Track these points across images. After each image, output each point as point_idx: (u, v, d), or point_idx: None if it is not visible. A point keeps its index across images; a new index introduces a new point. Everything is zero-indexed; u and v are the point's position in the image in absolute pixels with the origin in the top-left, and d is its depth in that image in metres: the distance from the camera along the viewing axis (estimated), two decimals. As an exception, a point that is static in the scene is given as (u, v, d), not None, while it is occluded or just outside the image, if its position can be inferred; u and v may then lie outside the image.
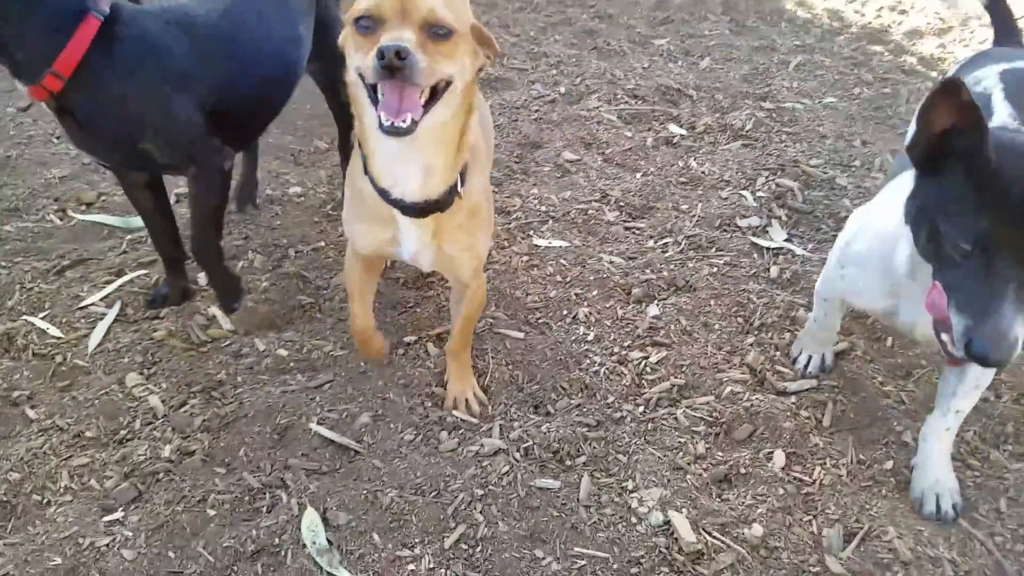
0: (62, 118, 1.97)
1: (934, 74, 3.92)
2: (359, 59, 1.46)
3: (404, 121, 1.42)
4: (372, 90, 1.47)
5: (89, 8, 1.86)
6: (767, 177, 3.02)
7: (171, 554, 1.74)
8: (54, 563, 1.72)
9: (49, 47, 1.83)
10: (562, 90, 3.71)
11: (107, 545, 1.76)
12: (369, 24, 1.45)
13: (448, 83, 1.49)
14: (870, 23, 4.52)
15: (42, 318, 2.34)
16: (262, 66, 2.21)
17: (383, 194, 1.69)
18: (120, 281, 2.48)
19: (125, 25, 1.93)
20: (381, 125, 1.44)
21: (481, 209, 1.84)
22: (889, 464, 1.95)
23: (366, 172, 1.70)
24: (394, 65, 1.36)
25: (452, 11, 1.47)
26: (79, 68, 1.85)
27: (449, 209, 1.73)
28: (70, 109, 1.93)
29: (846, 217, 2.81)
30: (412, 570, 1.71)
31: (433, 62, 1.42)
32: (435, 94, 1.48)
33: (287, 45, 2.28)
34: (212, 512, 1.82)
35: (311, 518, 1.79)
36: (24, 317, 2.35)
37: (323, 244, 2.68)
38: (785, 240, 2.72)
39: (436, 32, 1.44)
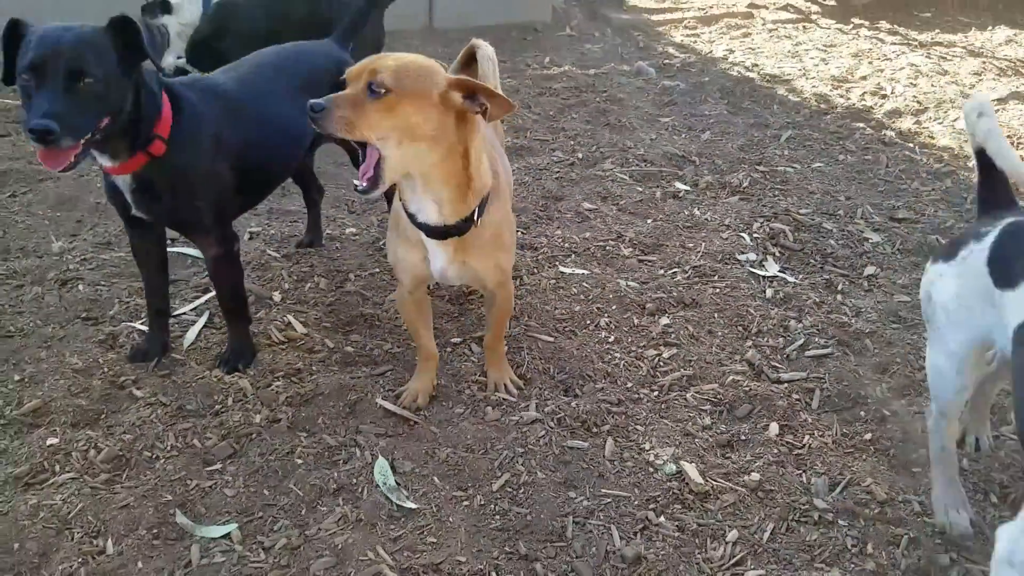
0: (138, 187, 2.19)
1: (911, 145, 4.41)
2: None
3: (363, 183, 1.83)
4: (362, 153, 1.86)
5: (164, 81, 2.20)
6: (762, 222, 3.46)
7: (266, 491, 2.08)
8: (166, 499, 2.06)
9: (153, 116, 2.12)
10: (579, 156, 4.20)
11: (211, 486, 2.10)
12: (344, 83, 1.85)
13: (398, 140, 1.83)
14: (854, 104, 5.06)
15: (140, 324, 2.74)
16: (273, 132, 2.46)
17: (411, 218, 2.05)
18: (206, 296, 2.88)
19: (179, 95, 2.21)
20: (355, 188, 1.86)
21: (503, 234, 2.19)
22: (868, 435, 2.29)
23: (401, 199, 2.08)
24: (310, 116, 1.77)
25: (398, 78, 1.79)
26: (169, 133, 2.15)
27: (470, 233, 2.06)
28: (149, 178, 2.18)
29: (832, 254, 3.25)
30: (467, 505, 2.05)
31: (363, 115, 1.77)
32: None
33: (294, 114, 2.40)
34: (299, 461, 2.17)
35: (382, 464, 2.14)
36: (125, 323, 2.75)
37: (378, 271, 3.10)
38: (779, 271, 3.13)
39: (373, 90, 1.78)
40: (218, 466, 2.17)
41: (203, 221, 2.32)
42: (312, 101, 1.78)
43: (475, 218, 2.06)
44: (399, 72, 1.82)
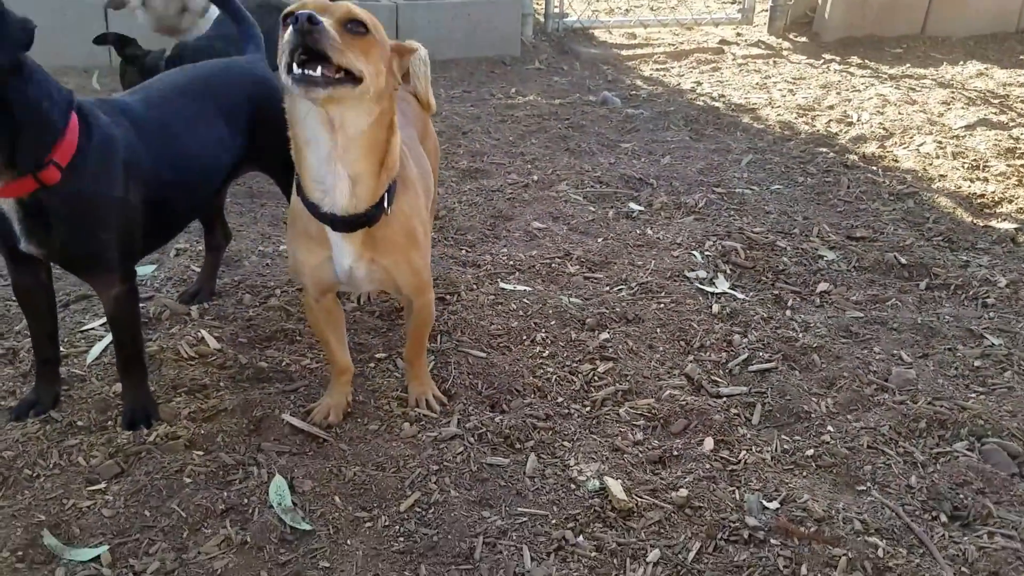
0: (26, 215, 1.90)
1: (874, 168, 4.32)
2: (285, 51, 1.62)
3: (315, 70, 1.58)
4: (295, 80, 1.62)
5: (73, 102, 1.90)
6: (715, 241, 3.33)
7: (146, 512, 1.90)
8: (39, 519, 1.87)
9: (49, 137, 1.83)
10: (535, 178, 4.09)
11: (89, 506, 1.92)
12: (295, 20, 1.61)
13: (360, 79, 1.67)
14: (819, 131, 4.98)
15: (46, 339, 2.57)
16: (187, 160, 2.22)
17: (314, 209, 1.85)
18: (120, 311, 2.72)
19: (91, 116, 1.94)
20: (294, 76, 1.59)
21: (415, 231, 2.01)
22: (810, 452, 2.13)
23: (299, 193, 1.88)
24: (305, 28, 1.54)
25: (373, 25, 1.71)
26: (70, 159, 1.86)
27: (379, 225, 1.90)
28: (41, 205, 1.88)
29: (784, 271, 3.12)
30: (369, 526, 1.87)
31: (346, 50, 1.61)
32: (352, 81, 1.66)
33: (210, 141, 2.29)
34: (188, 480, 1.99)
35: (278, 483, 1.96)
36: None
37: (307, 286, 2.95)
38: (729, 288, 2.99)
39: (352, 28, 1.66)
40: (101, 485, 1.99)
41: (106, 257, 2.01)
42: (303, 12, 1.57)
43: (385, 205, 1.90)
44: (371, 18, 1.73)
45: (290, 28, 1.59)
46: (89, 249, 2.00)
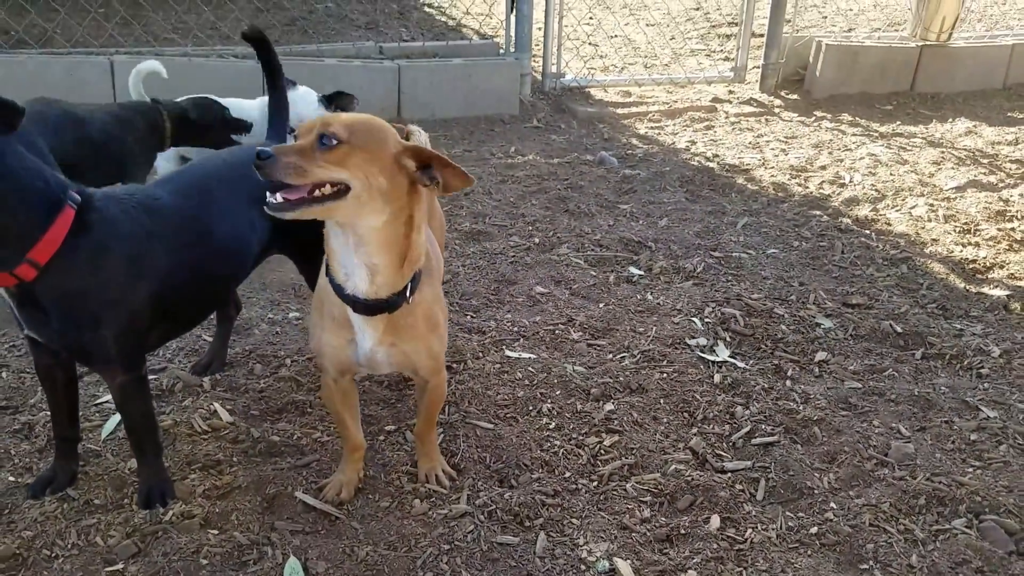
0: (21, 304, 1.95)
1: (867, 231, 4.42)
2: None
3: (276, 199, 1.75)
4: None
5: (66, 198, 1.90)
6: (714, 307, 3.41)
7: (165, 595, 1.93)
8: (58, 603, 1.91)
9: (27, 236, 1.83)
10: (536, 240, 4.18)
11: (107, 589, 1.95)
12: (295, 138, 1.82)
13: (347, 187, 1.76)
14: (812, 193, 5.10)
15: (60, 412, 2.61)
16: (214, 250, 2.24)
17: (339, 290, 1.93)
18: (133, 383, 2.77)
19: (95, 212, 1.96)
20: (267, 204, 1.76)
21: (436, 316, 2.08)
22: (815, 529, 2.18)
23: (327, 272, 1.97)
24: (257, 164, 1.70)
25: (351, 131, 1.77)
26: (52, 257, 1.87)
27: (401, 311, 1.97)
28: (34, 296, 1.91)
29: (783, 339, 3.19)
30: (382, 609, 1.90)
31: (315, 165, 1.73)
32: (337, 195, 1.76)
33: (240, 229, 2.31)
34: (204, 562, 2.02)
35: (293, 564, 2.00)
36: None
37: (316, 356, 3.00)
38: (729, 357, 3.06)
39: (324, 142, 1.75)
40: (119, 566, 2.02)
41: (104, 351, 2.02)
42: (258, 148, 1.71)
43: (408, 294, 1.96)
44: (351, 126, 1.79)
45: None
46: (83, 342, 2.01)
